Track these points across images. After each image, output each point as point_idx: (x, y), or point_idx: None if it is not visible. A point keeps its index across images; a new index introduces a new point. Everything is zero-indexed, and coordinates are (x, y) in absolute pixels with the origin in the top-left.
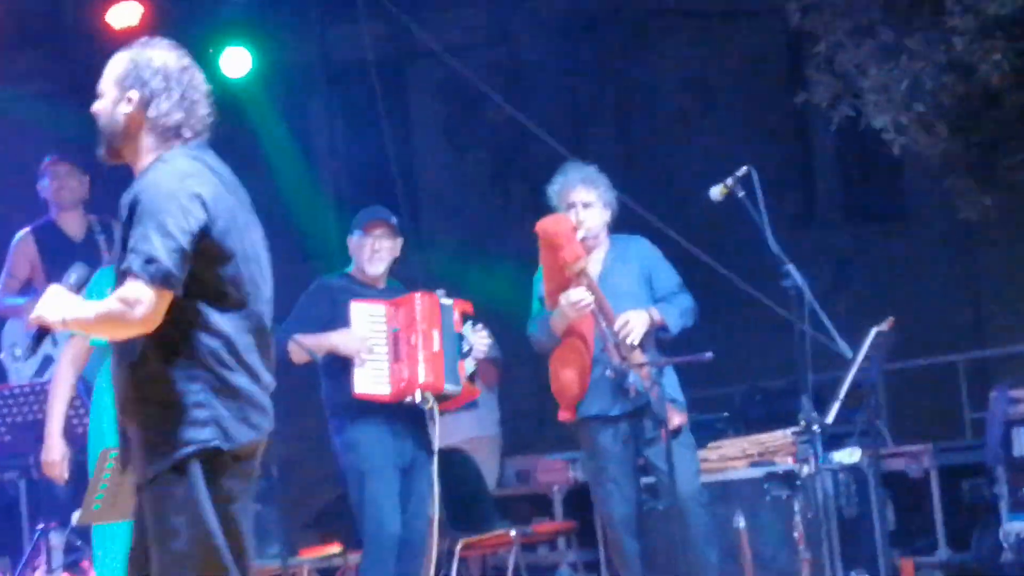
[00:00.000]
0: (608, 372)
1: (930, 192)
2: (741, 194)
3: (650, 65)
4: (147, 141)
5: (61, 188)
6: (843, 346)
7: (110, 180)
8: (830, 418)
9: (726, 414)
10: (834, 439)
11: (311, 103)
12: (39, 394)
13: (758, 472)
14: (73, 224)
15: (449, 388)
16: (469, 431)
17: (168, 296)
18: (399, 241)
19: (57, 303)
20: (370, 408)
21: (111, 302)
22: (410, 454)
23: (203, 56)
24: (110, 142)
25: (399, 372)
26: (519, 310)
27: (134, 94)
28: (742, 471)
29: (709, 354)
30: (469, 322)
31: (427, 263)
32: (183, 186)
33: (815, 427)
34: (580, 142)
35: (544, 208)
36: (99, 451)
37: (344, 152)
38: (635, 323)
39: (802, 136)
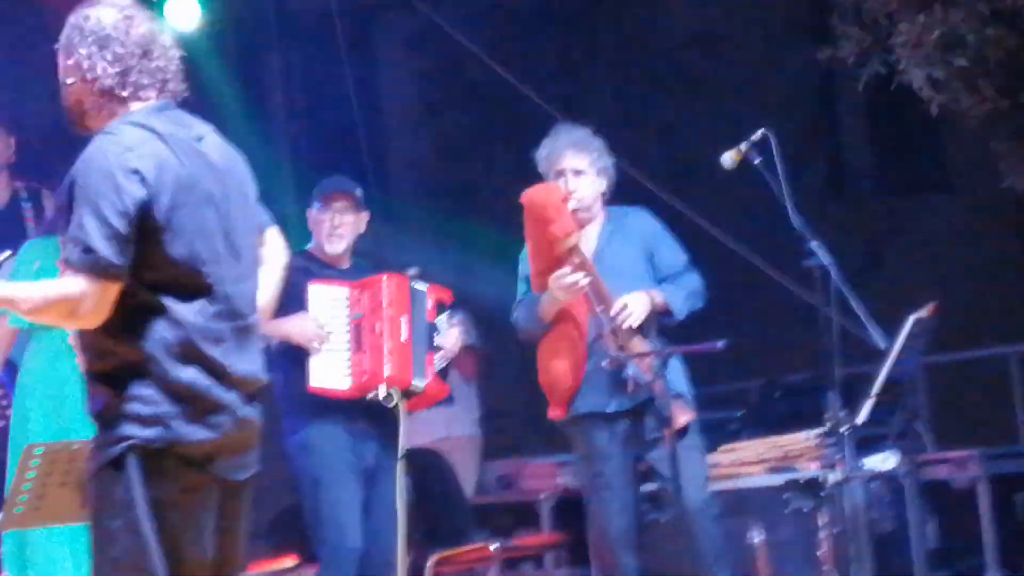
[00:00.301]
0: (604, 363)
1: (973, 158)
2: (757, 160)
3: (651, 14)
4: (97, 111)
5: None
6: (876, 335)
7: (47, 143)
8: (861, 418)
9: (741, 412)
10: (866, 442)
11: (266, 59)
12: None
13: (777, 480)
14: None
15: (416, 383)
16: (444, 430)
17: (112, 287)
18: (363, 215)
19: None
20: (327, 405)
21: (57, 290)
22: (373, 457)
23: (144, 6)
24: (71, 116)
25: (361, 364)
26: (502, 292)
27: (71, 62)
28: (759, 478)
29: (721, 343)
30: (445, 313)
31: (398, 239)
32: (120, 161)
33: (844, 428)
34: (572, 101)
35: (531, 177)
36: (22, 446)
37: (304, 114)
38: (634, 306)
39: (827, 95)
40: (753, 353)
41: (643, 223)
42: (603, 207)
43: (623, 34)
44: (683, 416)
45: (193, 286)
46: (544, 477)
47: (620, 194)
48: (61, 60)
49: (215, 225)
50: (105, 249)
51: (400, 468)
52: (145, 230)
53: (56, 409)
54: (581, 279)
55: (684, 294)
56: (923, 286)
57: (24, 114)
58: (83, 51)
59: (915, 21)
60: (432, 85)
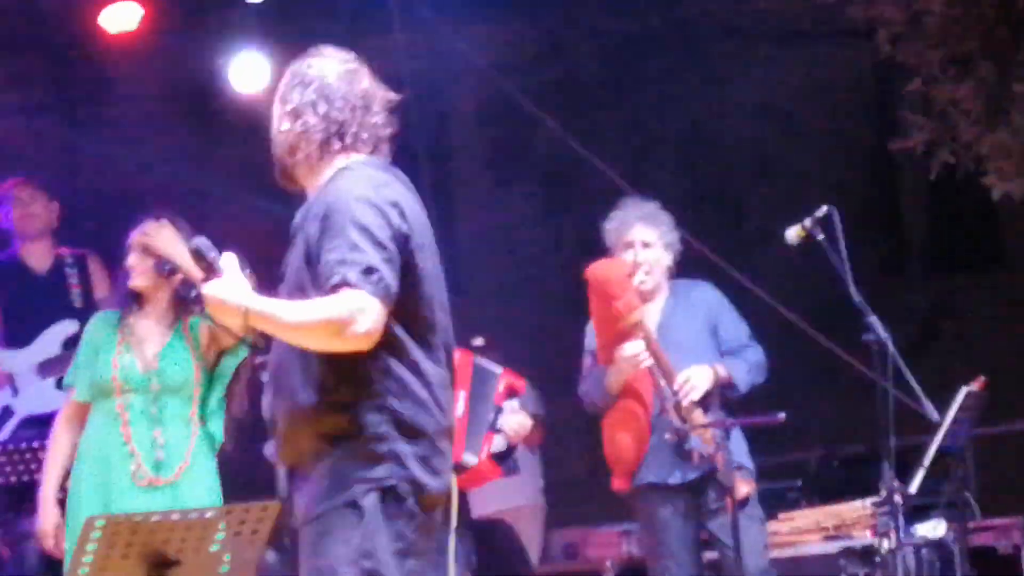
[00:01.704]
0: (667, 435)
1: None
2: (820, 237)
3: (720, 91)
4: (315, 157)
5: (24, 215)
6: (929, 408)
7: (88, 210)
8: (914, 487)
9: (799, 482)
10: (918, 511)
11: None
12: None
13: (833, 547)
14: (38, 256)
15: (468, 459)
16: (509, 499)
17: (386, 313)
18: None
19: (239, 287)
20: None
21: (334, 306)
22: None
23: (212, 66)
24: (281, 164)
25: None
26: (569, 363)
27: (290, 108)
28: (816, 546)
29: (781, 415)
30: (515, 400)
31: (466, 308)
32: (379, 194)
33: (897, 497)
34: (640, 174)
35: (600, 248)
36: (75, 520)
37: None
38: (697, 380)
39: (889, 175)
40: (812, 425)
41: (707, 296)
42: (668, 280)
43: (691, 110)
44: (744, 487)
45: (427, 328)
46: (609, 545)
47: (686, 268)
48: (277, 108)
49: (438, 273)
50: (387, 271)
51: (453, 541)
52: (402, 264)
53: (103, 479)
54: (644, 355)
55: (747, 367)
56: (975, 360)
57: (73, 182)
58: (303, 99)
59: (995, 130)
60: (502, 155)
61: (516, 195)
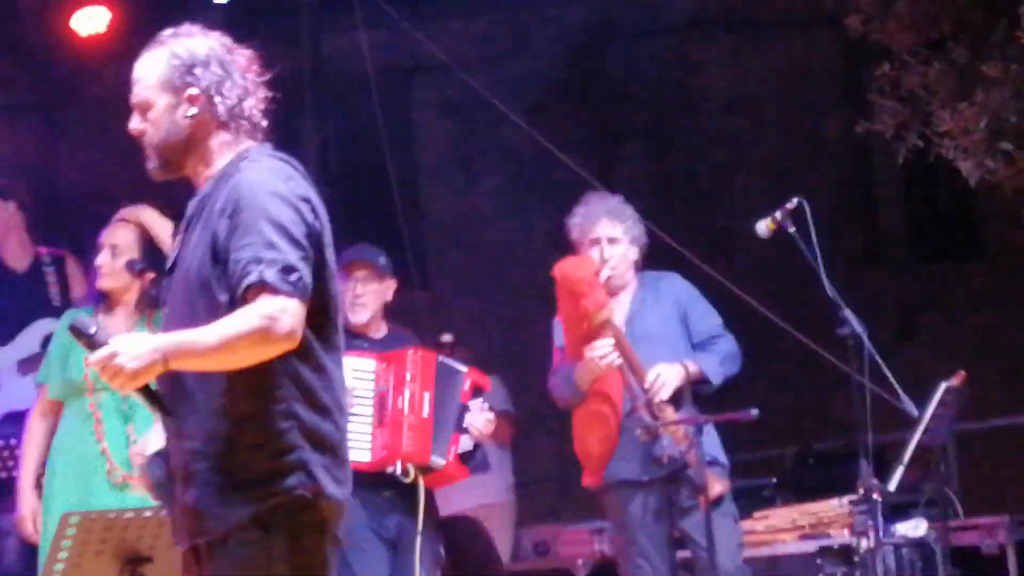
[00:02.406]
0: (638, 433)
1: (1006, 226)
2: (792, 229)
3: (689, 81)
4: (218, 141)
5: None
6: (908, 403)
7: (67, 210)
8: (893, 485)
9: (774, 480)
10: (897, 509)
11: (300, 122)
12: None
13: (810, 546)
14: (16, 255)
15: (435, 460)
16: (478, 497)
17: (304, 311)
18: (388, 283)
19: (140, 340)
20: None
21: (254, 314)
22: (395, 528)
23: None
24: (171, 154)
25: (380, 438)
26: (539, 356)
27: (194, 91)
28: (792, 545)
29: (754, 411)
30: (479, 398)
31: (432, 302)
32: (290, 188)
33: (875, 495)
34: (610, 167)
35: (569, 241)
36: (49, 515)
37: (338, 178)
38: (667, 377)
39: (863, 163)
40: (787, 421)
41: (675, 287)
42: (636, 274)
43: (659, 101)
44: (718, 484)
45: (333, 330)
46: (580, 544)
47: (656, 261)
48: (159, 95)
49: (336, 270)
50: (305, 269)
51: (418, 544)
52: (314, 263)
53: (79, 477)
54: (614, 357)
55: (718, 360)
56: (955, 353)
57: (51, 182)
58: (205, 81)
59: (958, 108)
60: (469, 150)
61: (483, 188)
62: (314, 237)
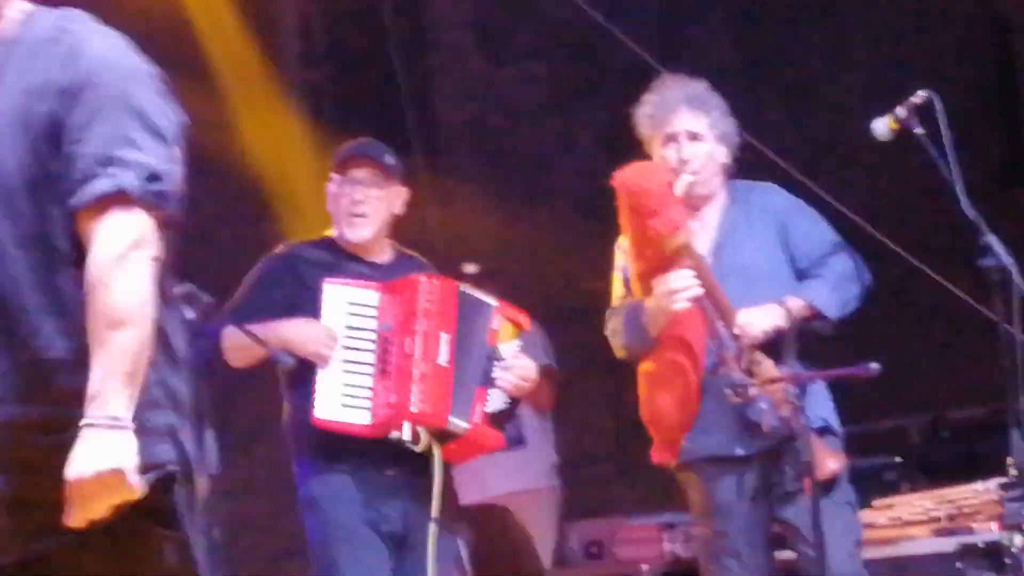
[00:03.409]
0: (727, 393)
1: None
2: (919, 130)
3: None
4: None
5: None
6: None
7: None
8: None
9: (899, 458)
10: None
11: None
12: None
13: (948, 544)
14: None
15: (455, 423)
16: (511, 481)
17: None
18: (398, 190)
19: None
20: (342, 445)
21: (131, 275)
22: (400, 518)
23: None
24: None
25: (385, 392)
26: (585, 298)
27: None
28: (924, 543)
29: (875, 366)
30: (516, 341)
31: (450, 223)
32: (149, 68)
33: None
34: (678, 49)
35: (628, 142)
36: None
37: (327, 58)
38: (762, 320)
39: (1006, 60)
40: (914, 381)
41: (775, 201)
42: (725, 183)
43: None
44: (832, 461)
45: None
46: (645, 543)
47: (738, 170)
48: None
49: None
50: (171, 177)
51: (433, 534)
52: None
53: None
54: (693, 292)
55: (830, 284)
56: None
57: None
58: None
59: None
60: (495, 28)
61: (513, 75)
62: (181, 136)
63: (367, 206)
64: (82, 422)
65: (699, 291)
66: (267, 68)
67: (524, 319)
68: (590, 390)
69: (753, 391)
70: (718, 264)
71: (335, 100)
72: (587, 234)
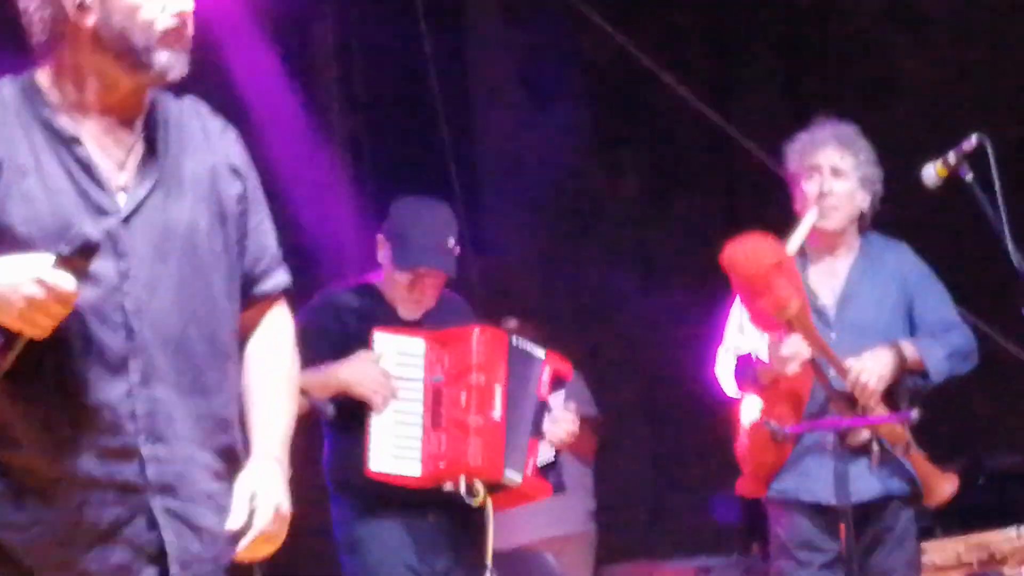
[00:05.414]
0: (830, 440)
1: None
2: (969, 176)
3: None
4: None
5: None
6: None
7: None
8: None
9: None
10: None
11: (317, 29)
12: None
13: None
14: None
15: (510, 477)
16: (550, 526)
17: None
18: (453, 269)
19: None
20: (390, 493)
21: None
22: (445, 566)
23: None
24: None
25: (437, 445)
26: (627, 345)
27: None
28: None
29: (914, 413)
30: (560, 392)
31: (492, 267)
32: None
33: None
34: (727, 92)
35: (669, 187)
36: None
37: (365, 104)
38: (875, 366)
39: None
40: (951, 427)
41: (906, 265)
42: (859, 232)
43: (794, 7)
44: (948, 485)
45: None
46: None
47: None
48: None
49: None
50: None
51: None
52: None
53: None
54: (803, 352)
55: (945, 351)
56: None
57: None
58: None
59: None
60: (538, 61)
61: (557, 119)
62: None
63: (428, 295)
64: (269, 454)
65: (808, 355)
66: (307, 116)
67: (568, 369)
68: (628, 435)
69: (865, 435)
70: (839, 316)
71: (375, 146)
72: (630, 280)
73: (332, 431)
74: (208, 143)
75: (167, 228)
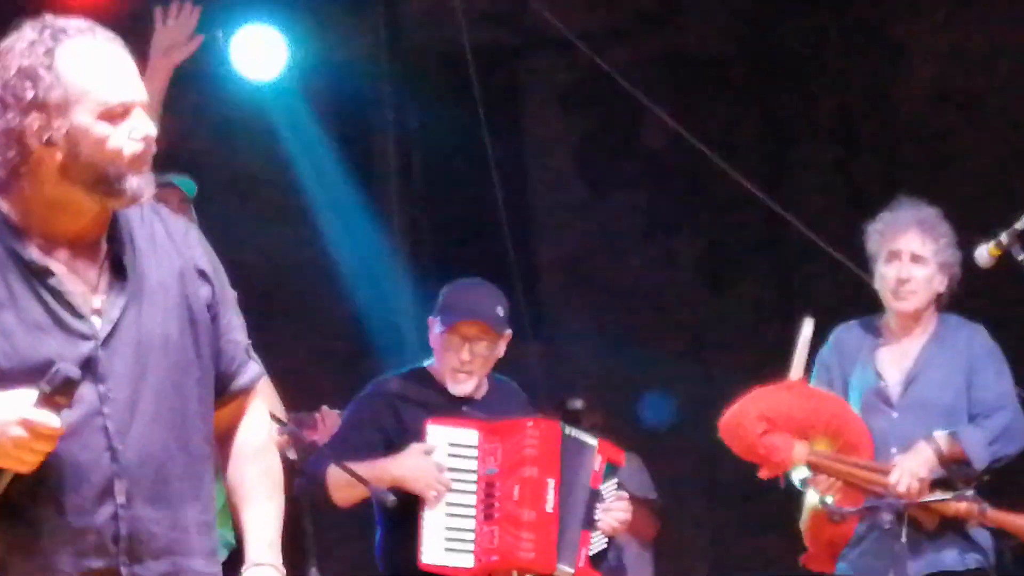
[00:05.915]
0: (886, 519)
1: None
2: (1022, 257)
3: (885, 64)
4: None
5: None
6: None
7: None
8: None
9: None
10: None
11: (373, 114)
12: None
13: None
14: None
15: (562, 570)
16: None
17: None
18: (504, 337)
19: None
20: None
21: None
22: None
23: (208, 45)
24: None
25: (490, 538)
26: (684, 426)
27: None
28: None
29: (970, 492)
30: (612, 480)
31: (550, 353)
32: None
33: None
34: (781, 174)
35: (726, 273)
36: None
37: (423, 192)
38: (914, 468)
39: None
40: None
41: (976, 343)
42: (936, 312)
43: (847, 92)
44: None
45: None
46: None
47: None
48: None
49: None
50: None
51: None
52: None
53: None
54: (831, 486)
55: (987, 437)
56: None
57: None
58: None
59: None
60: (595, 151)
61: (615, 205)
62: None
63: (474, 364)
64: (265, 564)
65: (838, 483)
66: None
67: (620, 456)
68: (687, 515)
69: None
70: (903, 395)
71: (435, 235)
72: (689, 366)
73: (385, 519)
74: (174, 246)
75: (141, 343)
